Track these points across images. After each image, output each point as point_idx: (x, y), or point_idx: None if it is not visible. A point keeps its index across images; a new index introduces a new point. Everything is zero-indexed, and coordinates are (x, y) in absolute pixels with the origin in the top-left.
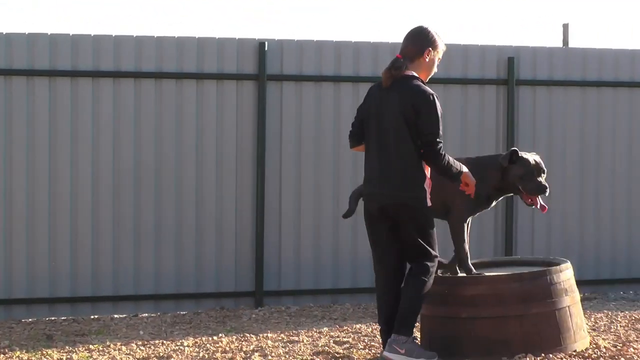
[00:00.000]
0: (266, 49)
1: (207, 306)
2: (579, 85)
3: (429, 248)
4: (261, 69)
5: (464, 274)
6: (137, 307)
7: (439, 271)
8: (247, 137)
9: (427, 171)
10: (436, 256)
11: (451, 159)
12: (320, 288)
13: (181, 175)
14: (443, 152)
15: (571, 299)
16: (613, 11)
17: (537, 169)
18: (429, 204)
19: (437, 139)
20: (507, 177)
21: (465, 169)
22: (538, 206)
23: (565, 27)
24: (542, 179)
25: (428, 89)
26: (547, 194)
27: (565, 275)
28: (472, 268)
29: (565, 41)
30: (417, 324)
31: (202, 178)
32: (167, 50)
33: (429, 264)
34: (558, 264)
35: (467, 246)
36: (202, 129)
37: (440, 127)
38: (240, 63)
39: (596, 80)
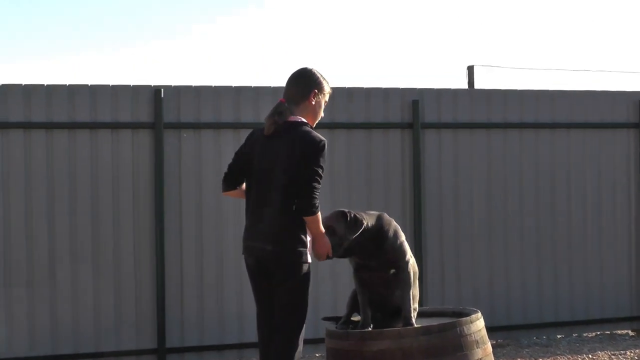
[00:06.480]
0: (162, 95)
1: None
2: (484, 127)
3: (296, 317)
4: (158, 117)
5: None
6: None
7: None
8: (144, 188)
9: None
10: (298, 333)
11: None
12: (225, 343)
13: (76, 226)
14: (317, 206)
15: (483, 351)
16: (519, 51)
17: None
18: (309, 259)
19: (315, 193)
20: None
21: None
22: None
23: (470, 69)
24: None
25: (318, 135)
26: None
27: (477, 326)
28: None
29: (471, 83)
30: None
31: (98, 230)
32: (57, 99)
33: (292, 338)
34: (468, 315)
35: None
36: (97, 180)
37: (321, 180)
38: (135, 111)
39: (501, 122)
